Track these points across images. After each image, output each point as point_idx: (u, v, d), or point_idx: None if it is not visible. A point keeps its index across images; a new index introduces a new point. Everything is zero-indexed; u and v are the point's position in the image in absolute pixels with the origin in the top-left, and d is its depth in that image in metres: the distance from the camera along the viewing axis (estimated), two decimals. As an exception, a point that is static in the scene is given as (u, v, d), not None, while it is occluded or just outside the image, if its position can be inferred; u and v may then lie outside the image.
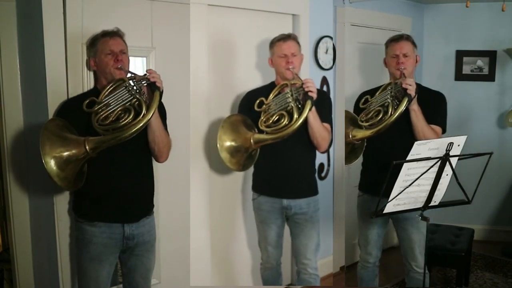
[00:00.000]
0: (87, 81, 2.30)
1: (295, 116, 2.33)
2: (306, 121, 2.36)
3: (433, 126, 2.42)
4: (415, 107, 2.35)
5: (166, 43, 2.55)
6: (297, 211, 2.55)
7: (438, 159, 2.02)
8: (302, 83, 2.33)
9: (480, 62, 4.12)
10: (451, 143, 2.00)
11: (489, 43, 4.04)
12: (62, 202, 2.27)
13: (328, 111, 2.61)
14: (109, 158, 2.07)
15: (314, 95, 2.31)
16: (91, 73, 2.32)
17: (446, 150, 2.00)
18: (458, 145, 2.02)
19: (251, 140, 2.44)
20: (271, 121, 2.40)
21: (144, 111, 2.01)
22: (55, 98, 2.20)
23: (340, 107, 3.34)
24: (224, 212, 2.95)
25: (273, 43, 2.52)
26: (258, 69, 2.96)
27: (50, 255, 2.32)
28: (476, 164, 2.09)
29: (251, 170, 2.68)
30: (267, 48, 2.80)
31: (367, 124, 2.45)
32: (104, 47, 2.12)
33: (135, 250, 2.23)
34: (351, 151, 2.65)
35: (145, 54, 2.50)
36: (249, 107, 2.51)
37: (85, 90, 2.29)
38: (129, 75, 2.13)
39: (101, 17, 2.30)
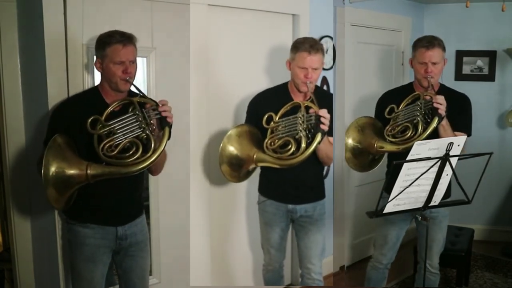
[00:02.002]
0: (87, 82, 2.31)
1: (303, 145, 2.20)
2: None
3: (458, 133, 2.34)
4: (443, 122, 2.28)
5: (166, 43, 2.55)
6: (302, 214, 2.51)
7: (438, 159, 2.02)
8: (316, 113, 2.18)
9: (480, 62, 4.12)
10: (451, 143, 2.00)
11: (489, 43, 4.04)
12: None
13: (332, 121, 2.51)
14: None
15: (326, 128, 2.19)
16: (92, 74, 2.32)
17: (446, 150, 2.00)
18: (458, 145, 2.02)
19: (254, 157, 2.35)
20: (276, 145, 2.29)
21: (153, 148, 1.93)
22: (55, 98, 2.20)
23: (340, 107, 3.34)
24: (224, 213, 2.95)
25: (298, 50, 2.30)
26: (258, 70, 2.96)
27: (51, 255, 2.32)
28: (476, 164, 2.09)
29: (257, 171, 2.63)
30: (267, 48, 2.80)
31: (394, 139, 2.37)
32: (114, 56, 1.99)
33: (129, 251, 2.21)
34: (372, 159, 2.55)
35: (145, 54, 2.50)
36: (258, 112, 2.39)
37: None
38: (133, 87, 2.03)
39: (101, 18, 2.30)
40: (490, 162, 2.08)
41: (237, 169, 2.39)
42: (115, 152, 1.92)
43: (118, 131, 1.95)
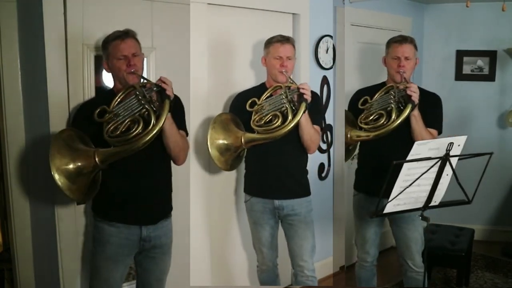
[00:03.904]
0: (88, 82, 2.31)
1: (289, 117, 2.32)
2: (298, 123, 2.35)
3: (430, 129, 2.44)
4: (415, 113, 2.37)
5: (166, 43, 2.55)
6: (289, 212, 2.54)
7: (438, 159, 2.01)
8: (298, 86, 2.33)
9: (480, 62, 4.12)
10: (451, 143, 1.99)
11: (489, 43, 4.05)
12: (63, 202, 2.27)
13: (320, 113, 2.61)
14: (126, 160, 2.01)
15: (309, 98, 2.31)
16: (92, 74, 2.32)
17: (446, 150, 2.00)
18: (458, 145, 2.02)
19: (242, 140, 2.42)
20: (263, 121, 2.38)
21: (153, 121, 1.95)
22: (55, 98, 2.20)
23: (340, 107, 3.34)
24: (224, 213, 2.95)
25: (270, 43, 2.48)
26: (258, 68, 2.96)
27: (51, 255, 2.32)
28: (476, 164, 2.09)
29: (244, 172, 2.67)
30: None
31: (367, 126, 2.45)
32: (115, 52, 2.07)
33: (151, 252, 2.22)
34: (346, 150, 2.67)
35: (145, 54, 2.47)
36: (239, 108, 2.50)
37: (85, 90, 2.29)
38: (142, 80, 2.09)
39: (101, 17, 2.30)
40: (490, 162, 2.08)
41: (226, 153, 2.44)
42: (118, 132, 1.97)
43: (121, 113, 2.00)
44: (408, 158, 1.97)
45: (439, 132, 2.51)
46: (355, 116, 2.55)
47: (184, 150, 2.23)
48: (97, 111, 1.99)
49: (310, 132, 2.44)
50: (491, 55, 4.06)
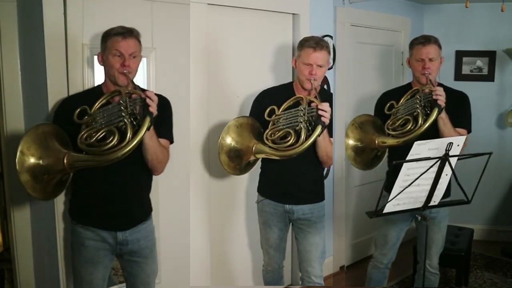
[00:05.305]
0: (87, 81, 2.31)
1: (302, 137, 2.19)
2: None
3: (459, 129, 2.39)
4: (443, 115, 2.31)
5: (166, 43, 2.55)
6: (299, 216, 2.49)
7: (437, 159, 2.02)
8: (317, 106, 2.18)
9: (479, 62, 4.12)
10: (450, 143, 2.00)
11: (489, 43, 4.05)
12: (62, 203, 2.27)
13: (332, 121, 2.47)
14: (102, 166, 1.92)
15: (327, 120, 2.18)
16: (92, 73, 2.32)
17: (446, 150, 2.01)
18: (458, 145, 2.03)
19: (253, 149, 2.34)
20: (276, 136, 2.28)
21: (129, 136, 1.85)
22: (55, 98, 2.20)
23: (340, 107, 3.34)
24: (224, 213, 2.95)
25: (303, 46, 2.32)
26: (258, 68, 2.96)
27: (51, 255, 2.32)
28: (475, 164, 2.09)
29: (257, 171, 2.64)
30: (267, 47, 2.80)
31: (394, 133, 2.40)
32: (113, 47, 1.99)
33: (133, 256, 2.17)
34: (375, 156, 2.57)
35: (145, 54, 2.48)
36: (261, 108, 2.39)
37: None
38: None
39: (101, 17, 2.30)
40: (489, 162, 2.08)
41: (236, 160, 2.37)
42: (92, 140, 1.89)
43: (99, 120, 1.92)
44: (408, 158, 1.98)
45: (469, 131, 2.46)
46: (382, 121, 2.49)
47: (162, 162, 2.12)
48: (77, 111, 1.92)
49: (327, 149, 2.32)
50: (490, 56, 4.07)
